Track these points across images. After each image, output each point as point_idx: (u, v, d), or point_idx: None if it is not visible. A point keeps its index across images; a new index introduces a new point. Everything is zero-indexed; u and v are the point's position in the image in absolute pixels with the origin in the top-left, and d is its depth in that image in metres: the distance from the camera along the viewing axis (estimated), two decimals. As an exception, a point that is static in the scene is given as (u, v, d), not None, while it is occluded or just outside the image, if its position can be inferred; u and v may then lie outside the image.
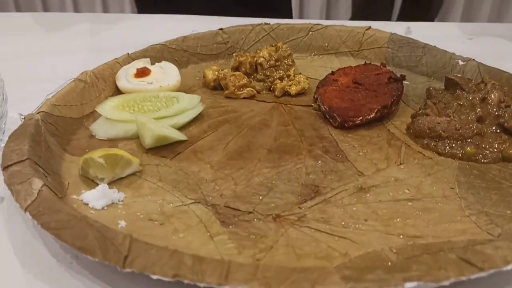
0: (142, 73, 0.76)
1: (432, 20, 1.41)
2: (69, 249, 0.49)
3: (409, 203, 0.56)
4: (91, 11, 2.28)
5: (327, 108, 0.71)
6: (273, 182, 0.60)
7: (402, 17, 1.55)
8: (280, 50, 0.81)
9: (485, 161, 0.63)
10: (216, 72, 0.79)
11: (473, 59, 0.79)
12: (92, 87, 0.73)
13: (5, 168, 0.55)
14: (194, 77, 0.82)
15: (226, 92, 0.78)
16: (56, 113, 0.66)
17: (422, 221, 0.54)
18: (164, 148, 0.65)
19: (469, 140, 0.65)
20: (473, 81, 0.74)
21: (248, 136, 0.68)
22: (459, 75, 0.75)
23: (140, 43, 0.84)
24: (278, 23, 0.90)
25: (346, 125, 0.69)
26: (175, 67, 0.79)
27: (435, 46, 0.83)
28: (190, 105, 0.72)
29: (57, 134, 0.65)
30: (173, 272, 0.43)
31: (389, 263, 0.43)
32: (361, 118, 0.69)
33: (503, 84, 0.72)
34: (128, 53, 0.80)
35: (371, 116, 0.69)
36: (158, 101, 0.71)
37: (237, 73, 0.78)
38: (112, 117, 0.68)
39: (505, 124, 0.65)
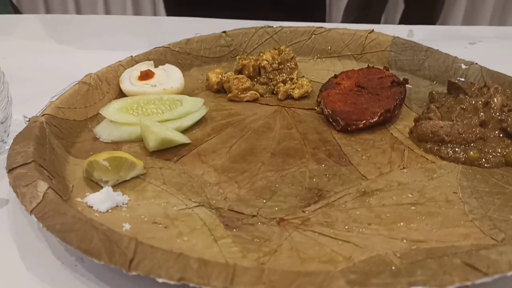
0: (146, 75, 0.76)
1: (434, 22, 1.41)
2: (74, 252, 0.50)
3: (413, 207, 0.56)
4: (94, 13, 2.28)
5: (330, 112, 0.71)
6: (277, 185, 0.60)
7: (404, 20, 1.55)
8: (283, 53, 0.81)
9: (488, 165, 0.63)
10: (220, 75, 0.80)
11: (476, 63, 0.79)
12: (96, 90, 0.73)
13: (10, 171, 0.55)
14: (197, 80, 0.82)
15: (230, 95, 0.78)
16: (60, 115, 0.66)
17: (425, 226, 0.54)
18: (168, 151, 0.65)
19: (472, 145, 0.65)
20: (476, 85, 0.74)
21: (251, 139, 0.68)
22: (462, 79, 0.76)
23: (143, 46, 0.84)
24: (281, 26, 0.90)
25: (349, 128, 0.69)
26: (179, 70, 0.79)
27: (437, 49, 0.83)
28: (194, 108, 0.72)
29: (62, 137, 0.65)
30: (178, 275, 0.43)
31: (394, 268, 0.43)
32: (364, 121, 0.69)
33: (506, 88, 0.72)
34: (131, 56, 0.80)
35: (374, 119, 0.70)
36: (162, 104, 0.71)
37: (240, 76, 0.79)
38: (116, 119, 0.68)
39: (508, 128, 0.65)
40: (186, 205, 0.57)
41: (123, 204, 0.56)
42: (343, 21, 1.97)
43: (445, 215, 0.55)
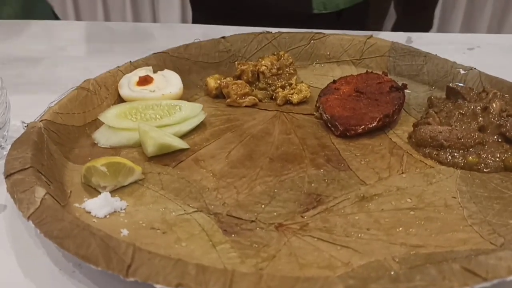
0: (145, 81, 0.76)
1: (430, 25, 1.41)
2: (72, 258, 0.49)
3: (411, 212, 0.56)
4: (93, 20, 2.29)
5: (329, 117, 0.71)
6: (275, 190, 0.60)
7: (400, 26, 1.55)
8: (282, 58, 0.81)
9: (487, 170, 0.63)
10: (218, 81, 0.79)
11: (475, 68, 0.79)
12: (94, 95, 0.73)
13: (7, 176, 0.55)
14: (196, 85, 0.82)
15: (228, 100, 0.78)
16: (58, 121, 0.66)
17: (424, 231, 0.54)
18: (166, 156, 0.65)
19: (471, 149, 0.65)
20: (474, 90, 0.74)
21: (250, 144, 0.68)
22: (460, 84, 0.76)
23: (142, 51, 0.84)
24: (279, 31, 0.90)
25: (348, 134, 0.69)
26: (177, 75, 0.79)
27: (436, 55, 0.83)
28: (192, 113, 0.72)
29: (60, 142, 0.65)
30: (176, 281, 0.43)
31: (392, 273, 0.43)
32: (363, 127, 0.69)
33: (505, 93, 0.72)
34: (130, 61, 0.80)
35: (373, 125, 0.69)
36: (161, 109, 0.71)
37: (239, 81, 0.79)
38: (114, 125, 0.68)
39: (507, 133, 0.65)
40: (185, 210, 0.56)
41: (121, 209, 0.56)
42: None
43: (444, 220, 0.55)
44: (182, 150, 0.67)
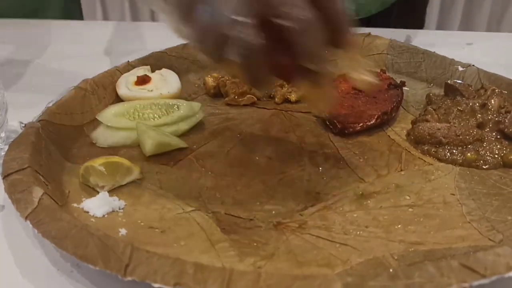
0: (143, 80, 0.76)
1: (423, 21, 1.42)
2: (70, 258, 0.49)
3: (410, 210, 0.56)
4: (92, 19, 2.29)
5: (327, 115, 0.71)
6: (274, 189, 0.60)
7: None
8: (280, 57, 0.81)
9: (486, 167, 0.63)
10: (217, 79, 0.79)
11: (473, 65, 0.79)
12: (92, 95, 0.73)
13: (5, 177, 0.55)
14: (194, 84, 0.82)
15: (227, 99, 0.78)
16: (56, 121, 0.66)
17: (423, 228, 0.53)
18: (164, 156, 0.65)
19: (469, 146, 0.65)
20: (472, 87, 0.74)
21: (248, 143, 0.68)
22: (459, 81, 0.75)
23: (140, 51, 0.84)
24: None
25: (346, 131, 0.69)
26: (175, 74, 0.79)
27: (434, 52, 0.83)
28: (191, 112, 0.72)
29: (58, 142, 0.65)
30: (174, 280, 0.43)
31: (391, 270, 0.43)
32: (361, 124, 0.69)
33: (503, 90, 0.72)
34: (128, 61, 0.80)
35: (371, 122, 0.69)
36: (159, 108, 0.71)
37: (237, 80, 0.78)
38: (112, 124, 0.68)
39: (506, 130, 0.65)
40: (183, 209, 0.56)
41: (119, 209, 0.56)
42: None
43: (442, 217, 0.55)
44: (181, 149, 0.67)
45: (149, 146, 0.64)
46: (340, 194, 0.59)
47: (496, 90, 0.70)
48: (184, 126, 0.70)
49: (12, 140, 0.61)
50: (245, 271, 0.45)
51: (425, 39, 0.97)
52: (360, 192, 0.59)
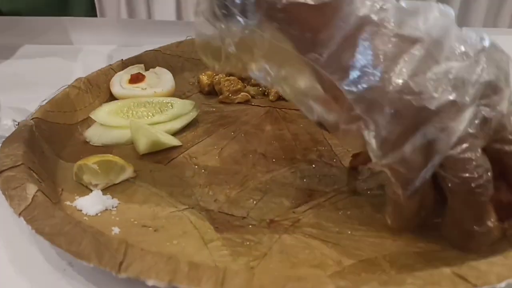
0: (136, 79, 0.76)
1: None
2: (64, 255, 0.49)
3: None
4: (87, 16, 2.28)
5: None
6: (267, 186, 0.60)
7: None
8: (274, 55, 0.81)
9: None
10: (211, 77, 0.80)
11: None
12: (86, 93, 0.73)
13: (-1, 174, 0.55)
14: (188, 82, 0.82)
15: (221, 97, 0.78)
16: (50, 119, 0.66)
17: (416, 229, 0.53)
18: (158, 154, 0.65)
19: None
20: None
21: (242, 140, 0.68)
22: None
23: (134, 49, 0.84)
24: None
25: (340, 129, 0.69)
26: (169, 72, 0.79)
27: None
28: (185, 110, 0.72)
29: (51, 140, 0.65)
30: (168, 278, 0.43)
31: (384, 276, 0.43)
32: (355, 122, 0.69)
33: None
34: (122, 59, 0.80)
35: (365, 120, 0.69)
36: (153, 106, 0.71)
37: (231, 78, 0.79)
38: (106, 123, 0.68)
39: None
40: (176, 207, 0.56)
41: (112, 207, 0.56)
42: None
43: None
44: (174, 147, 0.67)
45: (142, 144, 0.64)
46: (334, 191, 0.59)
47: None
48: (178, 124, 0.70)
49: (5, 138, 0.61)
50: (239, 270, 0.45)
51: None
52: (354, 190, 0.59)
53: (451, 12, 0.47)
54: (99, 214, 0.55)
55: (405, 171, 0.46)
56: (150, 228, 0.53)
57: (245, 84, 0.80)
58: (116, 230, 0.52)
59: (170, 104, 0.72)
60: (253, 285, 0.42)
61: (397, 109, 0.44)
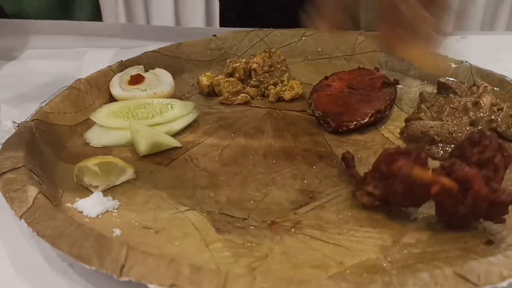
0: (136, 80, 0.76)
1: None
2: (65, 257, 0.49)
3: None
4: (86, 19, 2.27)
5: (321, 113, 0.71)
6: (268, 187, 0.60)
7: None
8: (274, 55, 0.81)
9: (479, 165, 0.63)
10: (210, 79, 0.79)
11: (466, 61, 0.80)
12: (86, 95, 0.73)
13: (0, 176, 0.55)
14: (188, 83, 0.82)
15: (220, 98, 0.78)
16: (50, 121, 0.66)
17: (416, 228, 0.53)
18: (158, 155, 0.65)
19: (462, 144, 0.65)
20: (465, 84, 0.74)
21: (242, 142, 0.68)
22: (451, 78, 0.76)
23: (133, 51, 0.84)
24: (271, 28, 0.90)
25: (340, 130, 0.69)
26: (169, 74, 0.79)
27: (427, 50, 0.83)
28: (184, 111, 0.72)
29: (51, 142, 0.65)
30: (170, 281, 0.43)
31: (386, 278, 0.43)
32: (355, 123, 0.69)
33: (495, 87, 0.72)
34: (121, 61, 0.80)
35: (365, 120, 0.70)
36: (152, 108, 0.71)
37: (231, 79, 0.79)
38: (106, 124, 0.68)
39: (498, 128, 0.66)
40: (177, 209, 0.56)
41: (113, 209, 0.56)
42: None
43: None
44: (175, 149, 0.67)
45: (143, 146, 0.64)
46: (334, 192, 0.59)
47: (488, 88, 0.70)
48: (177, 125, 0.70)
49: (5, 140, 0.61)
50: (240, 273, 0.45)
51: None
52: (354, 191, 0.59)
53: None
54: (100, 216, 0.55)
55: None
56: (151, 230, 0.53)
57: (245, 86, 0.80)
58: (117, 231, 0.52)
59: (170, 105, 0.72)
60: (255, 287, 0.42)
61: None
